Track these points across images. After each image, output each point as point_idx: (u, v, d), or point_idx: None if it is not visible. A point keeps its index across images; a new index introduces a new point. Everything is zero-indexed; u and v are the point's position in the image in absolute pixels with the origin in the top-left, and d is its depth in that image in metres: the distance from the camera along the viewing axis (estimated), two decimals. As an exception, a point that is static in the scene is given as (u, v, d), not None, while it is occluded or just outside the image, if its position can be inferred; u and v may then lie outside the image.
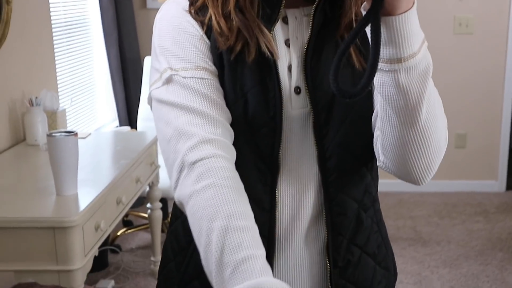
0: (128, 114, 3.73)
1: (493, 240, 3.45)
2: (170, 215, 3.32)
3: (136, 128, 3.59)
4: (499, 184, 4.23)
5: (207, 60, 0.90)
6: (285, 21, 0.93)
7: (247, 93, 0.90)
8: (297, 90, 0.92)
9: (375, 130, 0.92)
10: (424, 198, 4.08)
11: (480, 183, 4.23)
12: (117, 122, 3.69)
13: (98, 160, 2.43)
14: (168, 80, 0.89)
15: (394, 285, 1.08)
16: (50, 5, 2.87)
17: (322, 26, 0.91)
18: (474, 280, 3.01)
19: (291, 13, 0.93)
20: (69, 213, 1.77)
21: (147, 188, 2.87)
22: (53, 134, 1.80)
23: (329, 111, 0.91)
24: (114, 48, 3.54)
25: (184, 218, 1.01)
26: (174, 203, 1.06)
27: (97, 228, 1.90)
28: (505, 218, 3.76)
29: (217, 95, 0.89)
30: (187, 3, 0.93)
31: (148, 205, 2.93)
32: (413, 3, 0.76)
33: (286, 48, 0.92)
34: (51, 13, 2.89)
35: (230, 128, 0.89)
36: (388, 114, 0.84)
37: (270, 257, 0.96)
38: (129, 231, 3.45)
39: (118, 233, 3.38)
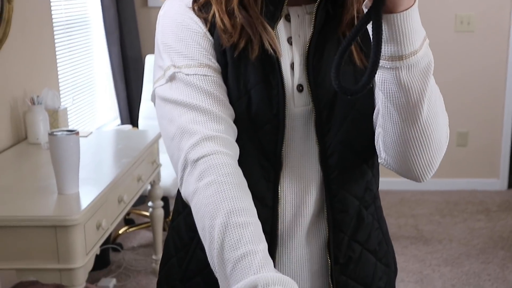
0: (130, 113, 3.73)
1: (495, 239, 3.45)
2: (171, 214, 3.30)
3: (137, 127, 3.59)
4: (501, 182, 4.23)
5: (211, 57, 0.90)
6: (288, 19, 0.93)
7: (250, 90, 0.90)
8: (300, 88, 0.92)
9: (376, 127, 0.92)
10: (426, 196, 4.08)
11: (481, 181, 4.23)
12: (118, 121, 3.69)
13: (100, 158, 2.43)
14: (172, 78, 0.89)
15: (395, 281, 1.09)
16: (51, 4, 2.87)
17: (324, 23, 0.91)
18: (475, 279, 3.00)
19: (294, 11, 0.93)
20: (71, 211, 1.77)
21: (149, 187, 2.87)
22: (55, 133, 1.80)
23: (331, 109, 0.92)
24: (115, 46, 3.54)
25: (186, 214, 1.01)
26: (176, 199, 1.07)
27: (98, 226, 1.90)
28: (507, 217, 3.76)
29: (220, 92, 0.89)
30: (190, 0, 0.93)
31: (150, 203, 2.93)
32: (415, 1, 0.76)
33: (289, 46, 0.93)
34: (52, 12, 2.89)
35: (233, 125, 0.90)
36: (390, 111, 0.84)
37: (272, 254, 0.96)
38: (130, 229, 3.46)
39: (120, 232, 3.38)
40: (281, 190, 0.95)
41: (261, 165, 0.94)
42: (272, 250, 0.96)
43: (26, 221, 1.74)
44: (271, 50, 0.89)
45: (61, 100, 2.96)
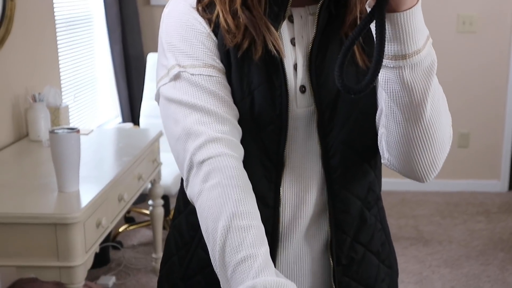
0: (131, 111, 3.74)
1: (495, 240, 3.45)
2: (171, 212, 3.30)
3: (138, 125, 3.60)
4: (502, 184, 4.22)
5: (215, 57, 0.90)
6: (291, 20, 0.93)
7: (254, 90, 0.90)
8: (302, 89, 0.92)
9: (379, 127, 0.92)
10: (427, 197, 4.08)
11: (482, 182, 4.23)
12: (120, 119, 3.69)
13: (100, 156, 2.43)
14: (176, 77, 0.89)
15: (397, 283, 1.09)
16: (54, 1, 2.87)
17: (327, 24, 0.91)
18: (475, 280, 3.00)
19: (297, 12, 0.93)
20: (71, 209, 1.77)
21: (149, 185, 2.87)
22: (56, 131, 1.80)
23: (333, 109, 0.92)
24: (117, 44, 3.54)
25: (188, 212, 1.01)
26: (178, 198, 1.07)
27: (98, 225, 1.90)
28: (507, 218, 3.76)
29: (225, 92, 0.89)
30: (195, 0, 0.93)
31: (150, 202, 2.93)
32: (418, 0, 0.76)
33: (292, 47, 0.93)
34: (55, 10, 2.89)
35: (238, 126, 0.90)
36: (393, 110, 0.84)
37: (273, 253, 0.96)
38: (131, 227, 3.46)
39: (120, 230, 3.38)
40: (282, 190, 0.95)
41: (263, 165, 0.94)
42: (273, 250, 0.96)
43: (26, 219, 1.74)
44: (275, 51, 0.89)
45: (63, 97, 2.96)
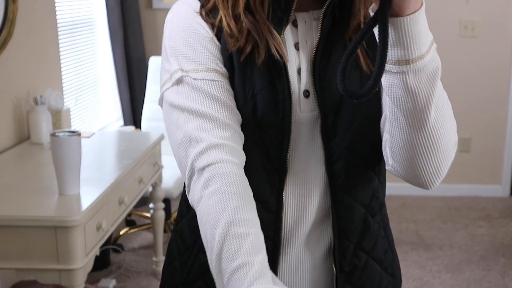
0: (133, 114, 3.74)
1: (496, 245, 3.44)
2: (172, 215, 3.30)
3: (140, 128, 3.60)
4: (503, 189, 4.22)
5: (218, 62, 0.90)
6: (295, 24, 0.93)
7: (256, 94, 0.90)
8: (306, 94, 0.92)
9: (384, 133, 0.92)
10: (428, 201, 4.07)
11: (484, 187, 4.22)
12: (121, 122, 3.70)
13: (102, 159, 2.43)
14: (179, 81, 0.89)
15: None
16: (56, 4, 2.88)
17: (331, 29, 0.91)
18: (476, 286, 2.99)
19: (301, 17, 0.93)
20: (71, 212, 1.77)
21: (150, 188, 2.87)
22: (57, 134, 1.80)
23: (336, 114, 0.91)
24: (119, 47, 3.54)
25: (190, 217, 1.01)
26: (180, 203, 1.07)
27: (98, 228, 1.90)
28: (509, 223, 3.75)
29: (227, 97, 0.89)
30: (198, 4, 0.93)
31: (151, 205, 2.93)
32: (422, 4, 0.76)
33: (296, 52, 0.92)
34: (57, 12, 2.90)
35: (240, 131, 0.90)
36: (397, 116, 0.83)
37: (275, 259, 0.96)
38: (131, 230, 3.45)
39: (121, 233, 3.38)
40: (285, 195, 0.95)
41: (265, 170, 0.93)
42: (275, 255, 0.96)
43: (26, 221, 1.74)
44: (278, 56, 0.89)
45: (65, 100, 2.96)
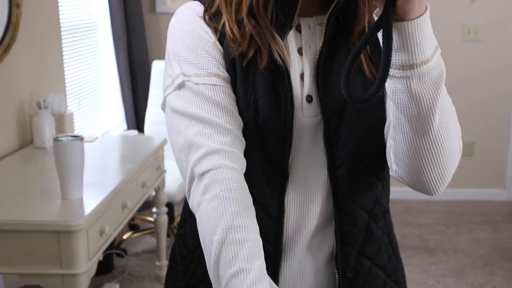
0: (136, 118, 3.74)
1: (500, 250, 3.42)
2: (175, 220, 3.29)
3: (143, 132, 3.60)
4: (507, 193, 4.20)
5: (220, 66, 0.90)
6: (299, 29, 0.93)
7: (258, 99, 0.90)
8: (309, 99, 0.92)
9: (388, 139, 0.91)
10: (431, 206, 4.06)
11: (487, 191, 4.21)
12: (124, 126, 3.70)
13: (104, 164, 2.43)
14: (180, 86, 0.89)
15: None
16: (59, 9, 2.88)
17: (334, 34, 0.91)
18: (480, 290, 2.98)
19: (305, 22, 0.93)
20: (74, 217, 1.77)
21: (153, 193, 2.87)
22: (59, 138, 1.80)
23: (339, 119, 0.91)
24: (122, 51, 3.55)
25: (193, 222, 1.01)
26: (184, 207, 1.07)
27: (101, 232, 1.90)
28: (513, 228, 3.74)
29: (229, 102, 0.89)
30: (202, 9, 0.93)
31: (154, 209, 2.93)
32: (426, 9, 0.76)
33: (299, 57, 0.92)
34: (60, 17, 2.90)
35: (241, 137, 0.89)
36: (401, 121, 0.83)
37: (277, 264, 0.96)
38: (135, 235, 3.45)
39: (124, 237, 3.38)
40: (286, 200, 0.95)
41: (267, 175, 0.93)
42: (277, 261, 0.95)
43: (29, 226, 1.74)
44: (280, 61, 0.88)
45: (68, 104, 2.96)
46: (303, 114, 0.92)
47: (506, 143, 4.16)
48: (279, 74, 0.89)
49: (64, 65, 2.95)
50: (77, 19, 3.22)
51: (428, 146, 0.83)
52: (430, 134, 0.82)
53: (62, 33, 2.93)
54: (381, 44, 0.75)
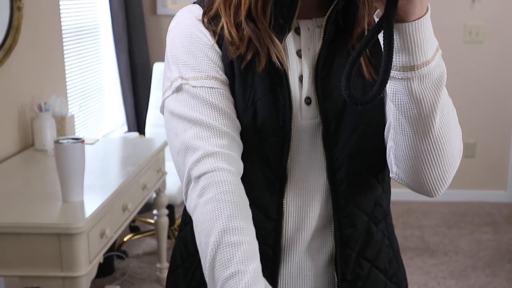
0: (137, 120, 3.74)
1: (502, 251, 3.42)
2: (176, 222, 3.29)
3: (144, 134, 3.60)
4: (509, 194, 4.20)
5: (218, 69, 0.90)
6: (298, 32, 0.93)
7: (257, 101, 0.90)
8: (308, 101, 0.92)
9: (388, 141, 0.91)
10: (432, 207, 4.06)
11: (489, 193, 4.20)
12: (125, 128, 3.70)
13: (105, 166, 2.43)
14: (178, 89, 0.90)
15: None
16: (61, 11, 2.89)
17: (334, 37, 0.91)
18: (482, 292, 2.98)
19: (304, 24, 0.93)
20: (75, 219, 1.77)
21: (154, 195, 2.87)
22: (60, 141, 1.81)
23: (339, 121, 0.91)
24: (123, 54, 3.55)
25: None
26: (184, 210, 1.07)
27: (102, 235, 1.90)
28: (514, 229, 3.74)
29: (226, 104, 0.89)
30: (201, 11, 0.94)
31: (155, 211, 2.93)
32: (427, 10, 0.76)
33: (298, 59, 0.92)
34: (62, 19, 2.91)
35: (239, 139, 0.89)
36: (401, 123, 0.83)
37: (276, 267, 0.95)
38: (136, 237, 3.45)
39: (125, 239, 3.38)
40: (285, 202, 0.95)
41: (265, 177, 0.93)
42: (276, 264, 0.95)
43: (30, 228, 1.74)
44: (278, 63, 0.88)
45: (69, 107, 2.97)
46: (301, 116, 0.92)
47: (507, 145, 4.16)
48: (278, 77, 0.89)
49: (65, 67, 2.95)
50: (78, 22, 3.23)
51: (428, 148, 0.83)
52: (431, 136, 0.82)
53: (63, 35, 2.93)
54: (382, 46, 0.75)
